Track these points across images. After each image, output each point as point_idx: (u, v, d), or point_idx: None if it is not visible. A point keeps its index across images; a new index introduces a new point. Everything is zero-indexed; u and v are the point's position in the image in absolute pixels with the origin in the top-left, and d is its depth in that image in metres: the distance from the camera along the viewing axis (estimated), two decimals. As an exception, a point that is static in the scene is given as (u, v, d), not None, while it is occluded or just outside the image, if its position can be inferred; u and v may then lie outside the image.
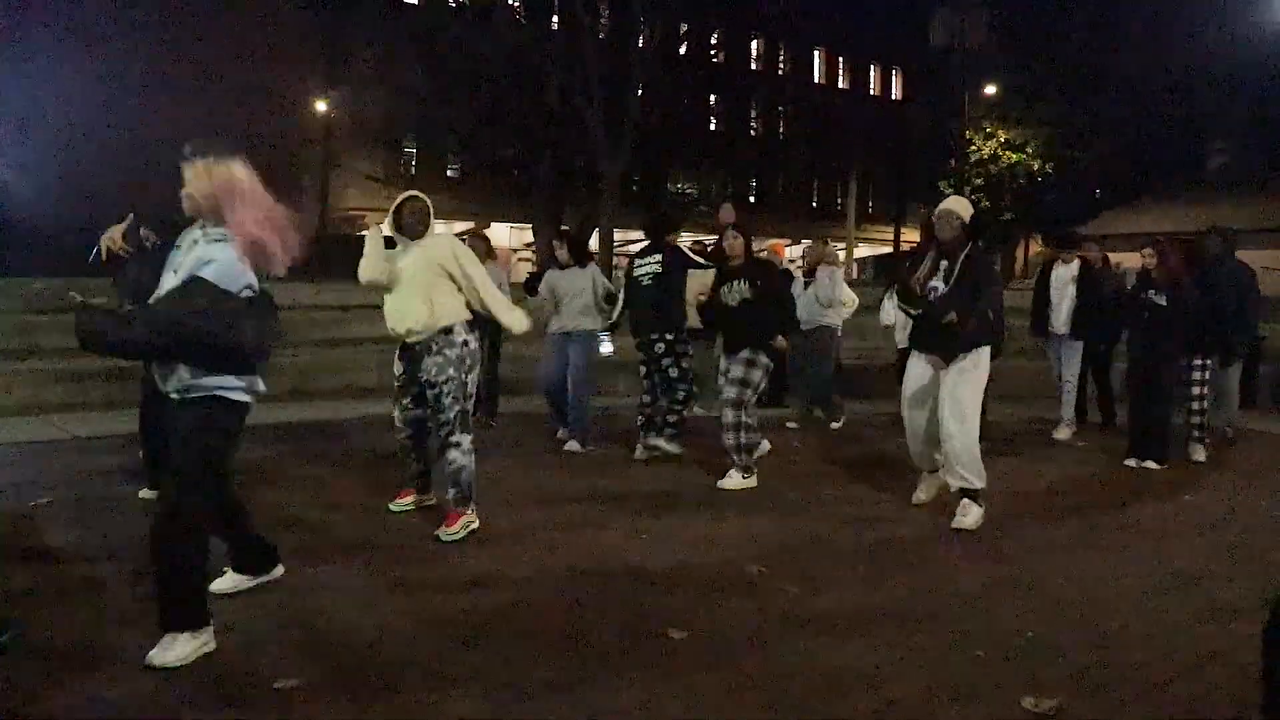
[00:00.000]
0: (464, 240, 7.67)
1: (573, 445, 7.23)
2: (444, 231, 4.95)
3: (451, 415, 4.89)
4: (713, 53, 32.37)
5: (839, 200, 41.87)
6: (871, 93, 47.59)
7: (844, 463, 7.07)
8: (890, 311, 8.08)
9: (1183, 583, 4.41)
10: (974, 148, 35.59)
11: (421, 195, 5.14)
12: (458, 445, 4.89)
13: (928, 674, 3.33)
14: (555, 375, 7.38)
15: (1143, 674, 3.36)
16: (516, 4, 26.50)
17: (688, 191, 34.59)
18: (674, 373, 6.89)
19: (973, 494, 5.34)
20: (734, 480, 6.14)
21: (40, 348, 9.39)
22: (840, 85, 46.53)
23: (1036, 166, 36.24)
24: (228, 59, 27.90)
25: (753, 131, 42.46)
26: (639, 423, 7.07)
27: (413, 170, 33.04)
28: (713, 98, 36.85)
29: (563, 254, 7.44)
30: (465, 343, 4.94)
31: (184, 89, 27.97)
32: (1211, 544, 5.09)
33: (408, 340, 5.02)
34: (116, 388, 8.62)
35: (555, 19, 27.65)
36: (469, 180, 32.13)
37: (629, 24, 26.10)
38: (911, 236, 36.78)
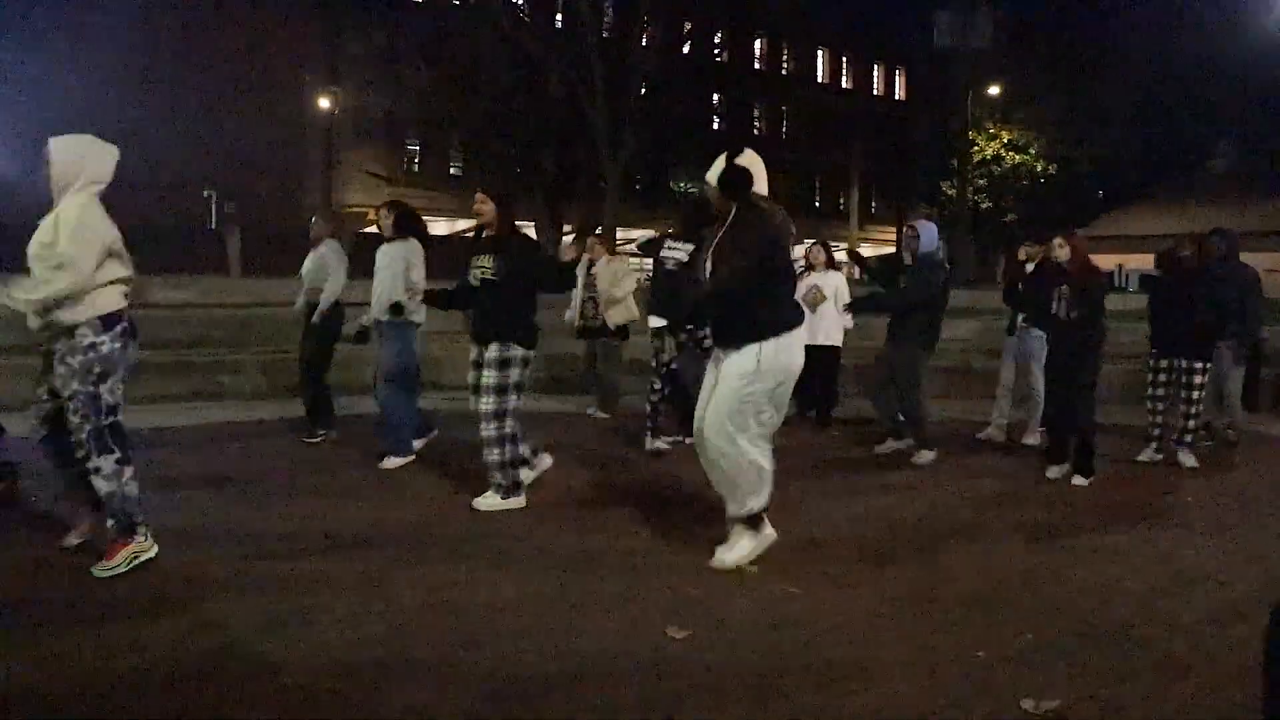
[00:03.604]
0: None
1: (389, 461, 6.39)
2: (76, 200, 4.05)
3: (83, 435, 4.09)
4: (716, 52, 32.40)
5: (841, 200, 41.86)
6: (875, 93, 47.58)
7: (837, 461, 7.07)
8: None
9: (1184, 584, 4.40)
10: (977, 148, 35.59)
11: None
12: (98, 471, 4.11)
13: (927, 674, 3.32)
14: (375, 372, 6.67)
15: (1144, 675, 3.35)
16: (520, 1, 26.51)
17: (690, 190, 34.57)
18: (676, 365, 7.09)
19: (748, 520, 4.44)
20: (491, 500, 5.35)
21: (39, 342, 9.38)
22: (843, 85, 46.52)
23: (1040, 167, 36.26)
24: (230, 56, 27.92)
25: (755, 131, 42.47)
26: (648, 413, 7.23)
27: (415, 167, 33.06)
28: (715, 97, 36.85)
29: (387, 224, 6.55)
30: (92, 346, 4.06)
31: (186, 85, 28.01)
32: (1213, 545, 5.08)
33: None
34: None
35: (559, 17, 27.66)
36: (472, 177, 32.14)
37: (632, 22, 26.11)
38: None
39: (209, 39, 28.22)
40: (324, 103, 28.93)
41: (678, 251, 6.84)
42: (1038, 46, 33.35)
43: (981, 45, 26.77)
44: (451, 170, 33.83)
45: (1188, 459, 7.17)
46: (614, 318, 8.64)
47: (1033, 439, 7.79)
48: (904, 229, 7.42)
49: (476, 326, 5.42)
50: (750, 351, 4.31)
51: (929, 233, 7.16)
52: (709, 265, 4.45)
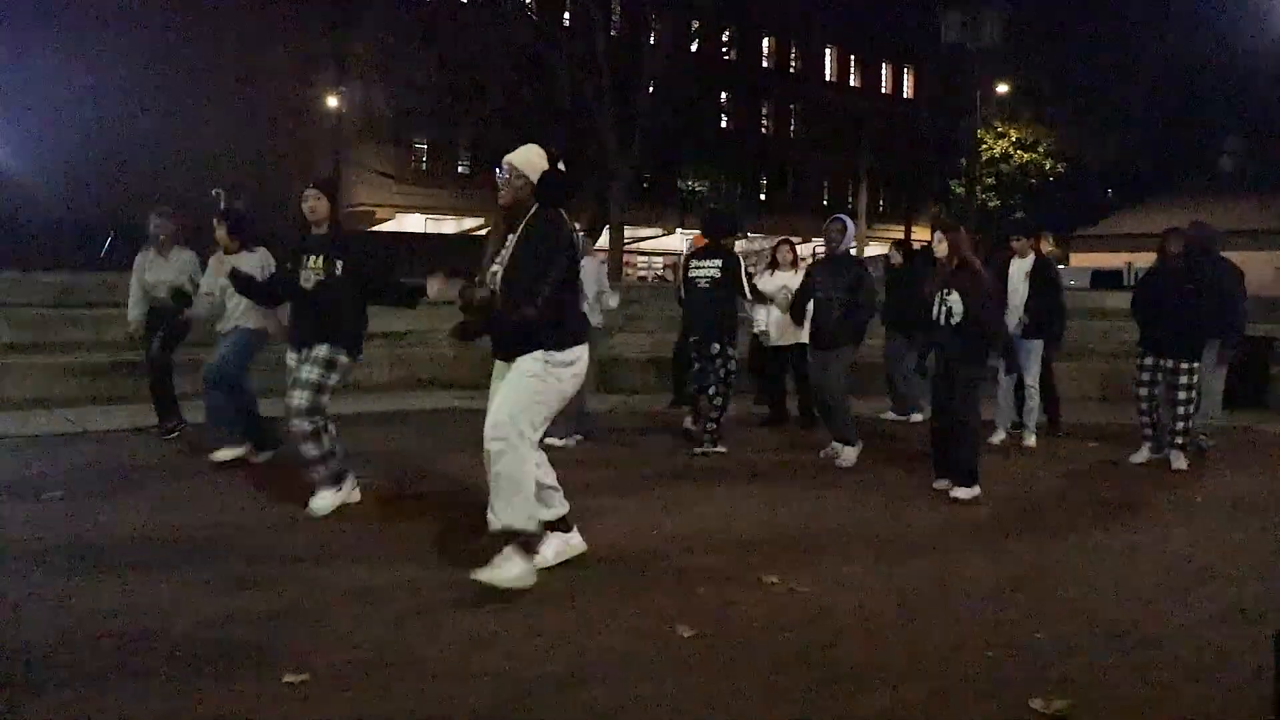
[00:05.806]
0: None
1: (233, 452, 6.30)
2: None
3: None
4: (724, 50, 32.40)
5: (850, 199, 41.79)
6: (883, 91, 47.49)
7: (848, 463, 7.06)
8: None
9: (1193, 584, 4.38)
10: (985, 146, 35.55)
11: None
12: None
13: (936, 673, 3.31)
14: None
15: (1153, 675, 3.34)
16: (529, 1, 26.56)
17: (698, 189, 34.60)
18: (721, 373, 7.06)
19: (520, 538, 3.97)
20: (324, 500, 5.14)
21: (51, 342, 9.42)
22: (852, 83, 46.44)
23: (1048, 166, 36.18)
24: (238, 56, 27.99)
25: (764, 130, 42.41)
26: (690, 420, 7.44)
27: (423, 166, 33.12)
28: (724, 95, 36.81)
29: (220, 234, 6.25)
30: None
31: (195, 86, 28.08)
32: (1222, 546, 5.06)
33: None
34: (126, 382, 8.65)
35: (567, 15, 27.68)
36: (480, 176, 32.17)
37: (641, 21, 26.12)
38: (923, 235, 36.72)
39: (216, 39, 28.28)
40: (331, 102, 29.00)
41: (709, 269, 6.98)
42: (1047, 45, 33.30)
43: (990, 43, 26.75)
44: (459, 169, 33.87)
45: (1179, 461, 6.95)
46: None
47: (1030, 441, 7.71)
48: (830, 224, 7.08)
49: (302, 332, 5.16)
50: (544, 357, 4.00)
51: (851, 229, 7.23)
52: (499, 275, 4.05)
